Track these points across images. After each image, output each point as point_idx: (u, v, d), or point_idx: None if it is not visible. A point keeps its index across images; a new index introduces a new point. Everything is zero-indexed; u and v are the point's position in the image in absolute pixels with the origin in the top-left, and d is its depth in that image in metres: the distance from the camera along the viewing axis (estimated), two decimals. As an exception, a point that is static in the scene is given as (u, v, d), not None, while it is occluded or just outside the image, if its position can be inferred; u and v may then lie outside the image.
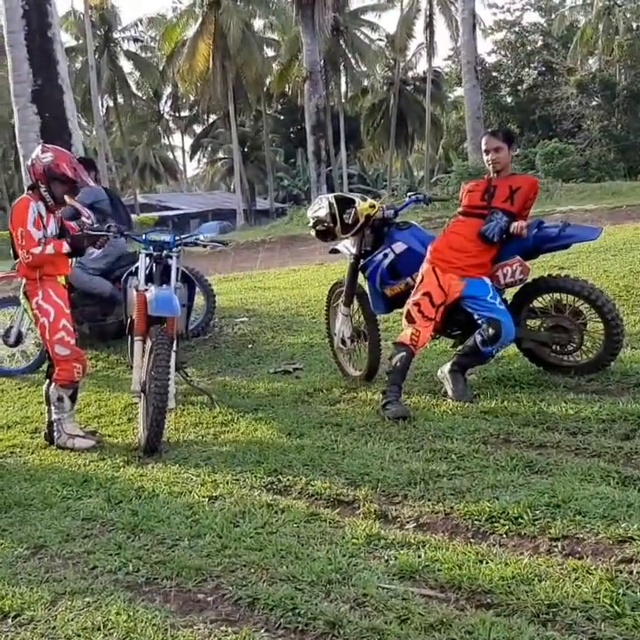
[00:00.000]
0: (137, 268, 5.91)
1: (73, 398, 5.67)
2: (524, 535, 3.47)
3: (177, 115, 65.19)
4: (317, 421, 5.43)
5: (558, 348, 5.66)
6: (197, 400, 6.34)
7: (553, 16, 50.02)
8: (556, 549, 3.32)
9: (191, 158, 70.58)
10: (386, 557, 3.40)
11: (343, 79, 53.29)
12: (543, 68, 44.63)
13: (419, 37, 50.30)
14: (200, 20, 45.29)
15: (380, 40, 52.95)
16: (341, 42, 48.53)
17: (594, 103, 39.71)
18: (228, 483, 4.48)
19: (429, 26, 48.61)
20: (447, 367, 5.60)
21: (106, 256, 7.81)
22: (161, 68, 53.93)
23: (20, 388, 7.52)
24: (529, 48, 45.53)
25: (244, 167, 53.38)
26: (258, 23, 52.04)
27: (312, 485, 4.29)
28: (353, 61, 50.95)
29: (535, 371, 5.78)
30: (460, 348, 5.67)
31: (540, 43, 46.90)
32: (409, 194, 6.37)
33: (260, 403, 6.09)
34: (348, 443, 4.90)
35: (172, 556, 3.62)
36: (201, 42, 44.19)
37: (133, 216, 43.68)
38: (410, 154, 63.99)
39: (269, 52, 52.07)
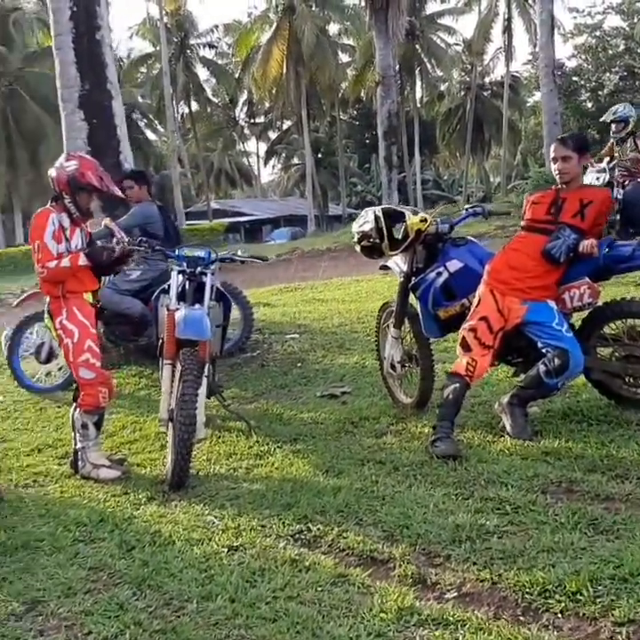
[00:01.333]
0: (170, 286, 5.49)
1: (98, 425, 5.26)
2: (583, 616, 2.92)
3: (252, 121, 65.47)
4: (359, 457, 4.93)
5: (632, 379, 5.03)
6: (235, 426, 5.89)
7: (635, 20, 48.50)
8: (619, 638, 2.76)
9: (266, 164, 70.88)
10: (417, 639, 2.90)
11: (419, 84, 52.73)
12: (625, 73, 43.24)
13: (496, 41, 49.41)
14: (274, 25, 45.23)
15: (457, 44, 52.32)
16: (417, 46, 47.99)
17: (678, 108, 38.23)
18: (251, 530, 4.02)
19: (507, 29, 47.71)
20: (506, 399, 5.02)
21: (141, 278, 7.39)
22: (237, 74, 54.19)
23: (59, 407, 7.16)
24: (610, 52, 44.19)
25: (317, 173, 53.17)
26: (333, 28, 51.90)
27: (344, 537, 3.81)
28: (429, 66, 50.42)
29: (605, 404, 5.17)
30: (520, 378, 5.10)
31: (622, 47, 45.47)
32: (466, 207, 5.80)
33: (301, 432, 5.61)
34: (389, 485, 4.38)
35: (176, 624, 3.17)
36: (275, 47, 44.14)
37: (205, 222, 43.80)
38: (486, 160, 63.05)
39: (345, 58, 51.86)
